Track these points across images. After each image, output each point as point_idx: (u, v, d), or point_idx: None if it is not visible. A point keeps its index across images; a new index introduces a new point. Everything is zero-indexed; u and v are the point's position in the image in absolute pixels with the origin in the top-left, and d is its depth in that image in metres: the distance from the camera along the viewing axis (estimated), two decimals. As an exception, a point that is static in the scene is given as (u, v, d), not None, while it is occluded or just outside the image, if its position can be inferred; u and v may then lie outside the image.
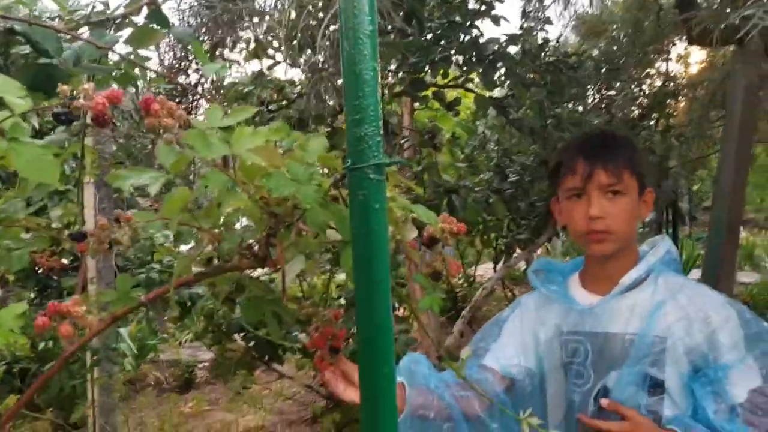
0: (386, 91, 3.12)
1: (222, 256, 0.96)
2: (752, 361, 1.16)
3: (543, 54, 3.44)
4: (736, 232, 2.28)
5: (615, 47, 4.90)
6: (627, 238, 1.26)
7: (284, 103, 2.57)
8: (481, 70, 2.80)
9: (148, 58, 1.32)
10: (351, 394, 1.16)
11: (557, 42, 3.87)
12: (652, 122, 4.60)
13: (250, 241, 0.92)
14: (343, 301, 3.93)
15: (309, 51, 2.10)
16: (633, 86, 5.59)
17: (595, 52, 5.06)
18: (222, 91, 2.44)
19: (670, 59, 5.55)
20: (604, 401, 1.22)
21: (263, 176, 0.71)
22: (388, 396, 0.70)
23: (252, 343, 3.28)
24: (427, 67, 2.65)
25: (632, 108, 4.96)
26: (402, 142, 3.19)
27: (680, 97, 5.42)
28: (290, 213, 0.77)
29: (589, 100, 5.41)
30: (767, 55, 2.09)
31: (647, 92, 5.51)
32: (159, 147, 0.70)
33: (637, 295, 1.26)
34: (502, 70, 2.96)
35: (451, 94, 3.78)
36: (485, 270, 7.58)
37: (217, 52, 2.34)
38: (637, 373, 1.21)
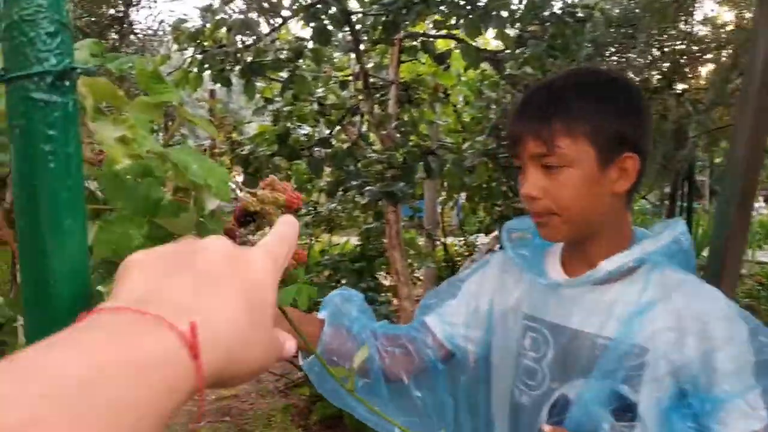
0: (365, 38, 2.80)
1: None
2: (757, 396, 0.86)
3: (546, 3, 3.09)
4: (749, 205, 2.01)
5: (633, 2, 4.50)
6: (587, 218, 0.95)
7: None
8: (467, 17, 2.47)
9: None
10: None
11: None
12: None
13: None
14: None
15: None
16: (652, 48, 5.19)
17: (615, 11, 4.67)
18: (167, 30, 2.15)
19: (694, 20, 5.13)
20: (546, 428, 0.94)
21: None
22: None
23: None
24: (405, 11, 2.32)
25: (651, 72, 4.59)
26: (381, 95, 2.88)
27: (702, 61, 5.03)
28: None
29: (604, 63, 5.04)
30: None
31: (667, 54, 5.12)
32: None
33: (622, 290, 0.96)
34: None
35: (443, 45, 3.44)
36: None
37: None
38: (605, 388, 0.92)
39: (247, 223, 0.61)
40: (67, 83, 0.38)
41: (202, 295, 0.33)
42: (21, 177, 0.38)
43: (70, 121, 0.39)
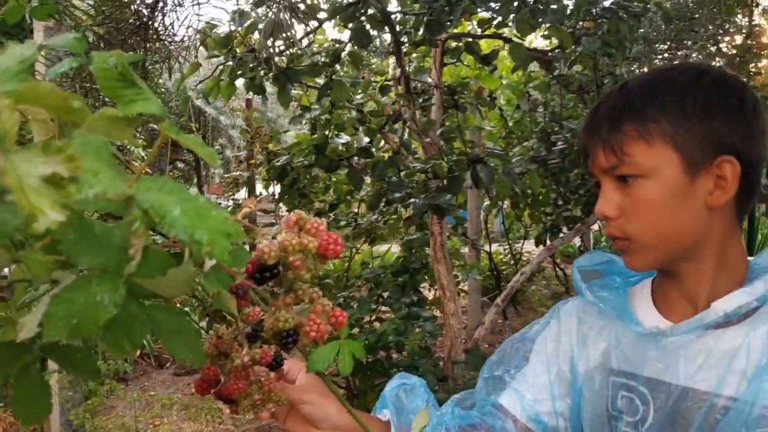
0: (406, 39, 2.63)
1: None
2: None
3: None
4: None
5: (689, -4, 4.26)
6: (675, 242, 0.77)
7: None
8: (518, 13, 2.28)
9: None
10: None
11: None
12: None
13: None
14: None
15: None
16: (709, 44, 4.93)
17: (666, 4, 4.43)
18: (192, 34, 2.01)
19: (755, 11, 4.85)
20: None
21: None
22: None
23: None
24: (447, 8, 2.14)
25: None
26: (424, 99, 2.70)
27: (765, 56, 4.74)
28: None
29: (657, 60, 4.81)
30: None
31: (725, 50, 4.87)
32: None
33: (743, 337, 0.75)
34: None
35: (488, 46, 3.26)
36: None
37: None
38: None
39: (264, 280, 0.44)
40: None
41: None
42: None
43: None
